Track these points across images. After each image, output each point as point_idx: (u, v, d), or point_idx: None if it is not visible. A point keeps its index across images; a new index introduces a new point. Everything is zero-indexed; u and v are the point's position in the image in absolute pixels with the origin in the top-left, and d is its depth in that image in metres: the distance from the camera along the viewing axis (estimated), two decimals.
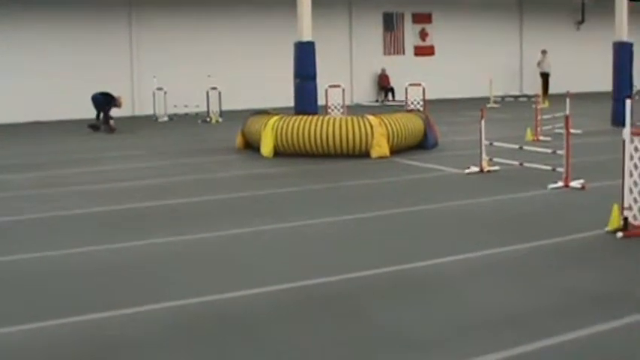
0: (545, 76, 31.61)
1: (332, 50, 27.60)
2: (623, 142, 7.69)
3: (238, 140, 16.04)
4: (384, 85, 31.10)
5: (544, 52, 31.77)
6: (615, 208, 7.72)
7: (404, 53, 30.21)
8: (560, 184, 10.43)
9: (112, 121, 20.21)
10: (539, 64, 31.84)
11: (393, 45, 30.39)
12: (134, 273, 6.82)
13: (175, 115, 24.30)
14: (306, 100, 16.50)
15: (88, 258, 7.36)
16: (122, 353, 4.93)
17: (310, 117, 14.55)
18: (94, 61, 25.51)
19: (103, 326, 5.42)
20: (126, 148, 16.78)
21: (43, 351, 5.01)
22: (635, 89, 19.43)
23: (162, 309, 5.76)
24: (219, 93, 23.37)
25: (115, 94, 20.55)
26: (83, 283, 6.49)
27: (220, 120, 23.02)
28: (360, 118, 14.21)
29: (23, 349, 5.06)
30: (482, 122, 11.97)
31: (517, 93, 31.62)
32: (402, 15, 30.10)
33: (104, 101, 20.28)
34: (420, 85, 20.72)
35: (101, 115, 20.35)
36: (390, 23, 30.15)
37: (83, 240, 8.02)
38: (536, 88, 30.46)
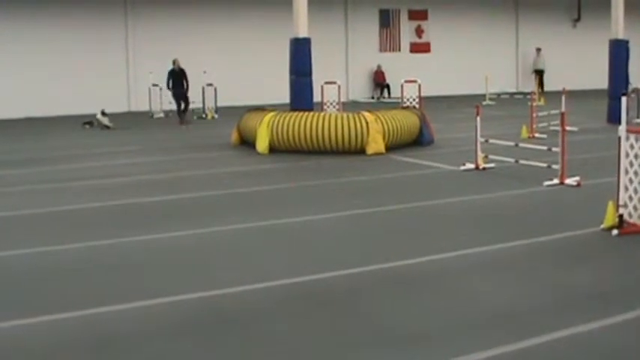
0: (539, 74, 31.97)
1: (328, 47, 27.55)
2: (619, 139, 7.70)
3: (234, 136, 16.02)
4: (379, 82, 31.09)
5: (538, 49, 32.27)
6: (610, 205, 7.72)
7: (400, 50, 30.17)
8: (556, 181, 10.44)
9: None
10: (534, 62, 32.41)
11: (388, 42, 30.36)
12: (130, 269, 6.81)
13: (171, 111, 24.22)
14: (301, 97, 16.46)
15: (86, 253, 7.34)
16: (119, 348, 4.92)
17: (306, 113, 14.52)
18: (89, 57, 25.40)
19: (100, 321, 5.41)
20: (122, 144, 16.74)
21: (41, 347, 4.99)
22: (630, 87, 19.43)
23: (159, 304, 5.75)
24: (215, 89, 23.32)
25: (173, 67, 20.89)
26: (79, 279, 6.48)
27: (216, 116, 22.98)
28: (355, 115, 14.20)
29: (19, 344, 5.04)
30: (478, 119, 11.97)
31: (513, 90, 31.64)
32: (398, 11, 30.07)
33: (183, 87, 20.73)
34: (415, 81, 20.70)
35: (181, 106, 20.87)
36: (386, 20, 30.11)
37: (79, 236, 7.99)
38: (532, 85, 30.50)
